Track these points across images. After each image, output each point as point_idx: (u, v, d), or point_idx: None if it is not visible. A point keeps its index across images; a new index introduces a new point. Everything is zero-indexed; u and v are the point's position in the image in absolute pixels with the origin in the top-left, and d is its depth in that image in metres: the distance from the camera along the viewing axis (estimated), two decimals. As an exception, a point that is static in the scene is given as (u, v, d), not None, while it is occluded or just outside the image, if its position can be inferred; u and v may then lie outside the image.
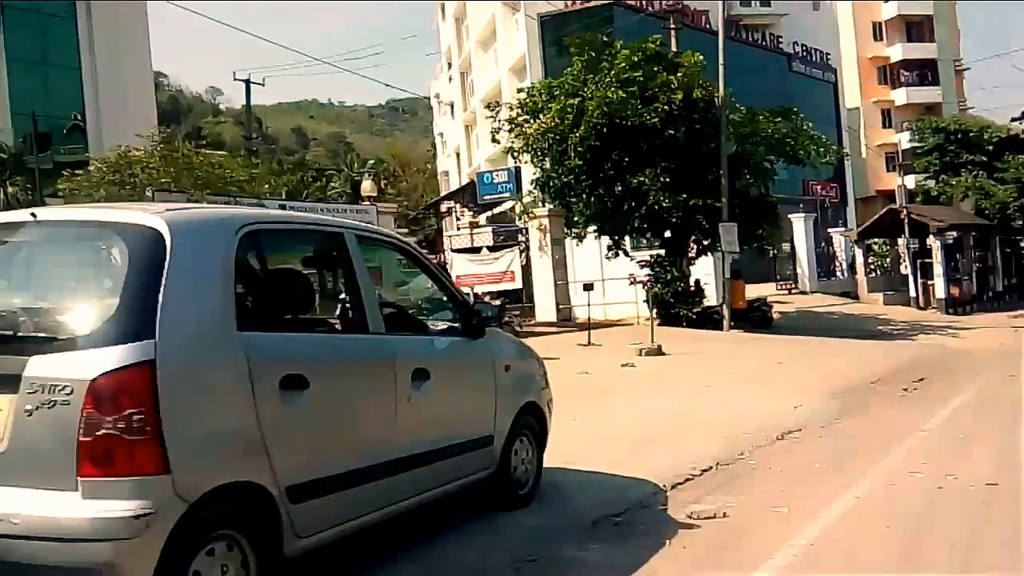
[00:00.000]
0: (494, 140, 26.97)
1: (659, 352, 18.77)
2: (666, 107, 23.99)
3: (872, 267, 40.77)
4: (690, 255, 27.04)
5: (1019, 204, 42.23)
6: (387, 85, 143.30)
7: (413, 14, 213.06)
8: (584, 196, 26.02)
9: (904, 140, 58.52)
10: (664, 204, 24.27)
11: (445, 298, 6.79)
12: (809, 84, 59.49)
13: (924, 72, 72.53)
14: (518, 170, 26.82)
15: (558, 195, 26.53)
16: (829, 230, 40.06)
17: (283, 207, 21.15)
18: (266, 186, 29.81)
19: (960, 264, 37.43)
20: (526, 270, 28.02)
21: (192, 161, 20.34)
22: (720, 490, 8.02)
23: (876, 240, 40.29)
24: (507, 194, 32.93)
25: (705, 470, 8.77)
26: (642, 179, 24.48)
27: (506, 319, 18.78)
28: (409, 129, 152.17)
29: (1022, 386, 15.17)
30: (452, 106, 69.97)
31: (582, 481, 8.27)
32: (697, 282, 27.02)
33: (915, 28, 73.47)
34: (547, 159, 26.02)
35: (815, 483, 8.32)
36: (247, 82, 43.43)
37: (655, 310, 26.22)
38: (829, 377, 15.72)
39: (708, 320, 25.96)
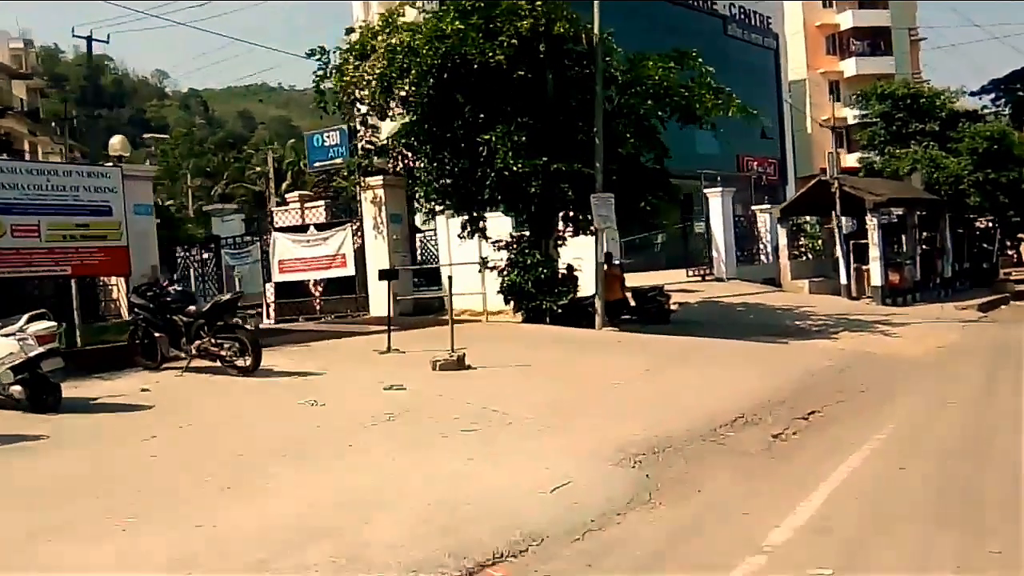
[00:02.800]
0: (318, 91, 21.21)
1: (459, 366, 13.38)
2: (513, 40, 18.53)
3: (802, 250, 35.64)
4: (560, 234, 21.67)
5: (974, 178, 37.21)
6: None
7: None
8: (426, 161, 20.64)
9: (852, 116, 53.91)
10: (516, 169, 18.94)
11: None
12: (747, 51, 54.23)
13: (876, 41, 67.63)
14: (351, 130, 21.40)
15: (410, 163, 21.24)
16: (753, 207, 34.69)
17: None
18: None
19: (904, 246, 32.30)
20: (360, 253, 22.51)
21: None
22: None
23: (807, 219, 35.12)
24: (339, 159, 27.17)
25: None
26: (489, 137, 19.11)
27: (237, 318, 13.31)
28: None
29: (962, 426, 10.00)
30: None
31: None
32: (570, 268, 21.69)
33: (867, -6, 68.53)
34: (374, 114, 20.56)
35: None
36: (88, 39, 37.79)
37: (512, 302, 21.09)
38: (674, 410, 10.46)
39: (583, 315, 20.66)
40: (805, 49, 66.97)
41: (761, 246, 34.49)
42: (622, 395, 11.59)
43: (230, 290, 25.95)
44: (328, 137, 25.45)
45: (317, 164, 29.17)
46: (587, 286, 21.36)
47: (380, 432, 9.34)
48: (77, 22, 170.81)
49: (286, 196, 25.33)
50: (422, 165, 20.71)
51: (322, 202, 24.26)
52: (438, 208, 21.90)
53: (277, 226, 24.00)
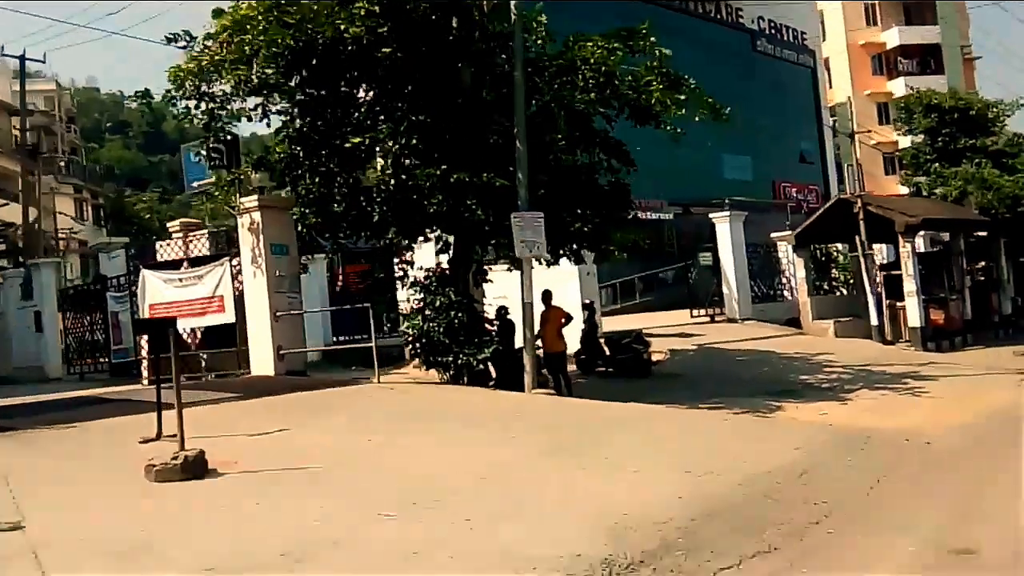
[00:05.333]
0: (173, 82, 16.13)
1: (186, 472, 8.27)
2: (373, 7, 13.66)
3: (835, 284, 29.94)
4: (484, 267, 16.67)
5: (1037, 198, 31.11)
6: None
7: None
8: (307, 176, 15.82)
9: (900, 138, 48.06)
10: (397, 182, 14.08)
11: None
12: (780, 69, 48.87)
13: (926, 59, 61.57)
14: (232, 139, 16.66)
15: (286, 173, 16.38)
16: (772, 234, 29.02)
17: None
18: None
19: (953, 278, 26.26)
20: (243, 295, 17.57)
21: None
22: None
23: (839, 247, 29.37)
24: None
25: None
26: (360, 141, 14.29)
27: None
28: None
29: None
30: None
31: None
32: (502, 311, 16.67)
33: (914, 10, 62.55)
34: (224, 113, 15.72)
35: None
36: (21, 58, 33.94)
37: (420, 356, 16.12)
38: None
39: (517, 370, 15.54)
40: (849, 69, 61.26)
41: (784, 280, 28.90)
42: (362, 544, 6.42)
43: (117, 342, 21.34)
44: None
45: (196, 184, 24.08)
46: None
47: None
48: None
49: (168, 225, 20.65)
50: (305, 182, 15.87)
51: (205, 231, 19.30)
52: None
53: (148, 263, 19.09)
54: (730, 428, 11.80)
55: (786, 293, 28.62)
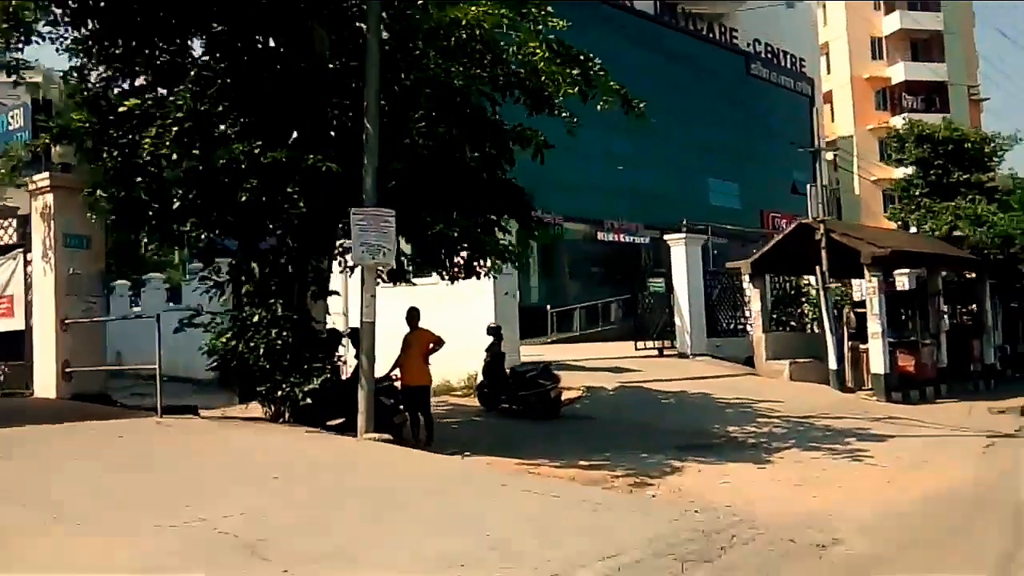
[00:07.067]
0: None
1: None
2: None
3: (805, 320, 26.23)
4: (325, 276, 13.11)
5: (1033, 239, 27.38)
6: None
7: None
8: (107, 148, 12.29)
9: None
10: (179, 159, 10.67)
11: None
12: (776, 96, 45.44)
13: (931, 97, 57.90)
14: (41, 104, 13.24)
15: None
16: (728, 263, 25.32)
17: None
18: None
19: (928, 319, 22.49)
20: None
21: None
22: None
23: (811, 279, 25.65)
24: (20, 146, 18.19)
25: None
26: (136, 104, 10.88)
27: None
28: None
29: None
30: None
31: None
32: (355, 332, 13.00)
33: (921, 46, 59.03)
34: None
35: None
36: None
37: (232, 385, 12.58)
38: None
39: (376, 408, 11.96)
40: (852, 103, 57.75)
41: (747, 314, 25.23)
42: None
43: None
44: (12, 118, 16.61)
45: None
46: (385, 359, 12.83)
47: None
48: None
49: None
50: (104, 158, 12.33)
51: (13, 219, 15.56)
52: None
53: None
54: (548, 513, 8.13)
55: (748, 328, 24.96)
